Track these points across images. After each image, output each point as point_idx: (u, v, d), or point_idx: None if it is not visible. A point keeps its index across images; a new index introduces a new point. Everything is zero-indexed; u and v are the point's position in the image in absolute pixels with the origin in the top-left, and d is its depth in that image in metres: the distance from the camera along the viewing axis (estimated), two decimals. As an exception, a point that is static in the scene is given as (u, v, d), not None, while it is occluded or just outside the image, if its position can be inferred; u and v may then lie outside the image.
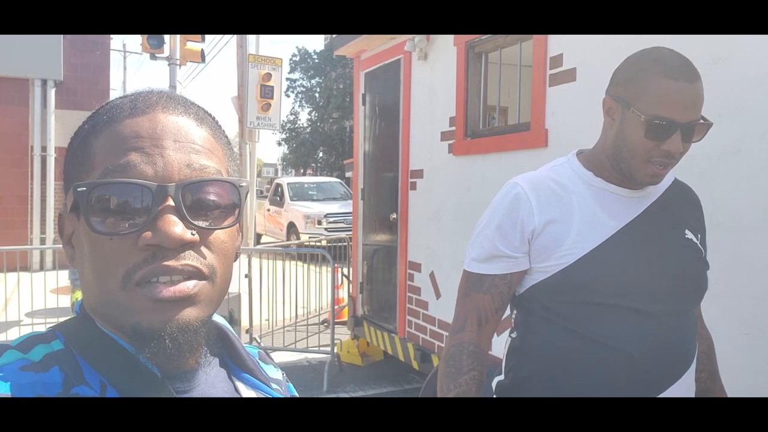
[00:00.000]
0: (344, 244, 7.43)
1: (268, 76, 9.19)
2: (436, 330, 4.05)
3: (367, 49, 4.90)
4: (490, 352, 1.39)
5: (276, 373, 0.79)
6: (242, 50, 9.48)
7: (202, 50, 9.30)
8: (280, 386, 0.77)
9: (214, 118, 0.67)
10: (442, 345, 3.96)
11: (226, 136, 0.69)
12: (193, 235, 0.58)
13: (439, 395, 1.38)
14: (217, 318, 0.72)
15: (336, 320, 5.52)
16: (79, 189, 0.57)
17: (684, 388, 1.29)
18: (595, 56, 2.80)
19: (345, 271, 6.09)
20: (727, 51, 2.18)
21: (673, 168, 1.28)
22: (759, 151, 2.07)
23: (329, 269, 5.42)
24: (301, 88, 30.11)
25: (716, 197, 2.19)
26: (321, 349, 5.47)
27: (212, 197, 0.61)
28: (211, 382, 0.67)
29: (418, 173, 4.29)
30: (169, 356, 0.59)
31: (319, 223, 12.16)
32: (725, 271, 2.17)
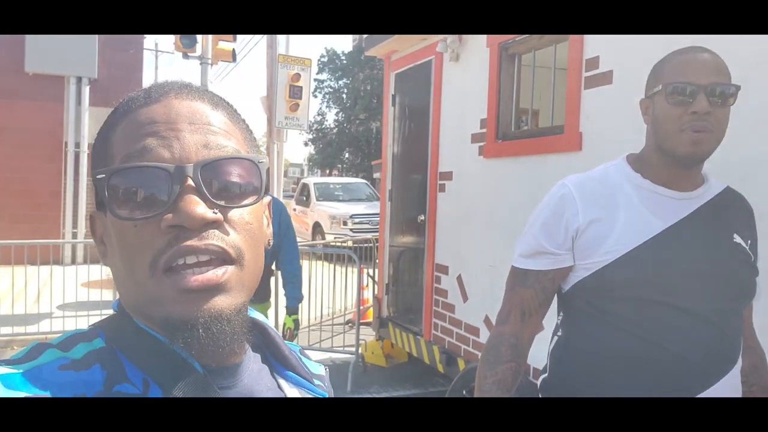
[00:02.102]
0: (370, 245, 7.43)
1: (297, 76, 9.23)
2: (463, 333, 4.02)
3: (398, 49, 4.89)
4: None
5: (318, 369, 0.78)
6: (272, 50, 9.55)
7: (233, 50, 9.39)
8: (323, 382, 0.76)
9: (230, 104, 0.67)
10: (469, 349, 3.93)
11: (245, 122, 0.68)
12: (216, 213, 0.57)
13: (477, 381, 1.43)
14: (256, 315, 0.71)
15: (361, 321, 5.52)
16: (98, 177, 0.57)
17: (727, 389, 1.29)
18: (632, 58, 2.74)
19: (370, 272, 6.08)
20: (765, 53, 2.12)
21: (712, 141, 1.29)
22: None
23: (355, 270, 5.42)
24: (329, 89, 30.26)
25: (753, 205, 2.13)
26: (345, 349, 5.47)
27: (232, 176, 0.60)
28: (255, 378, 0.66)
29: (447, 175, 4.27)
30: (204, 347, 0.58)
31: (345, 223, 12.19)
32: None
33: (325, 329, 6.21)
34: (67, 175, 10.09)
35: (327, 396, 0.75)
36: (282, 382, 0.70)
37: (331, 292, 6.46)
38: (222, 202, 0.58)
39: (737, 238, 1.36)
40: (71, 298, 6.02)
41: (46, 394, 0.53)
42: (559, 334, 1.45)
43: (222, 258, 0.58)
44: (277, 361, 0.71)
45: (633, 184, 1.36)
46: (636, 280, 1.28)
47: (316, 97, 30.12)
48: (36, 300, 6.19)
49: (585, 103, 3.07)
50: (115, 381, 0.57)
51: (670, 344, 1.27)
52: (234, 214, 0.59)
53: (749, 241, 1.39)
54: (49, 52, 9.55)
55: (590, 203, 1.35)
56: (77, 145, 10.01)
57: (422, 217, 4.57)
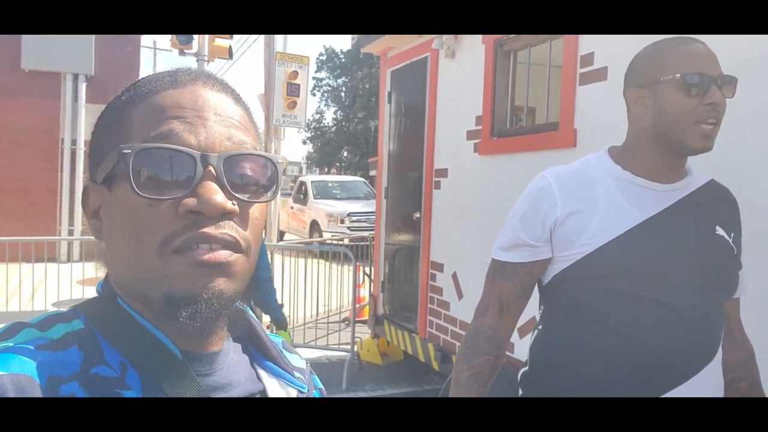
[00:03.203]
0: (366, 243, 7.42)
1: (295, 74, 9.21)
2: (458, 331, 4.02)
3: (394, 46, 4.88)
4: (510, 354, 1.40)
5: (300, 362, 0.78)
6: (269, 48, 9.52)
7: (230, 47, 9.37)
8: (303, 375, 0.76)
9: (245, 101, 0.69)
10: (463, 346, 3.92)
11: (255, 120, 0.70)
12: (234, 205, 0.59)
13: (453, 375, 1.43)
14: (240, 305, 0.71)
15: (356, 319, 5.51)
16: (124, 151, 0.57)
17: (705, 383, 1.29)
18: (627, 55, 2.73)
19: (366, 269, 6.08)
20: (763, 51, 2.11)
21: (716, 134, 1.29)
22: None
23: (351, 268, 5.41)
24: (327, 87, 30.23)
25: (749, 199, 2.12)
26: (341, 347, 5.47)
27: (251, 171, 0.62)
28: (233, 367, 0.66)
29: (443, 172, 4.26)
30: (196, 328, 0.58)
31: (342, 221, 12.18)
32: (755, 271, 2.10)
33: (321, 327, 6.20)
34: (63, 172, 10.08)
35: (306, 388, 0.75)
36: (261, 372, 0.70)
37: (327, 290, 6.45)
38: (239, 195, 0.60)
39: (720, 231, 1.36)
40: (66, 295, 6.00)
41: (24, 374, 0.52)
42: (540, 327, 1.44)
43: (232, 247, 0.59)
44: (258, 352, 0.72)
45: (613, 176, 1.35)
46: (614, 271, 1.28)
47: (314, 95, 30.11)
48: (31, 298, 6.17)
49: (580, 99, 3.07)
50: (92, 363, 0.57)
51: (649, 337, 1.26)
52: (247, 208, 0.61)
53: (732, 234, 1.38)
54: (46, 49, 9.54)
55: (569, 195, 1.34)
56: (74, 142, 9.99)
57: (418, 215, 4.56)
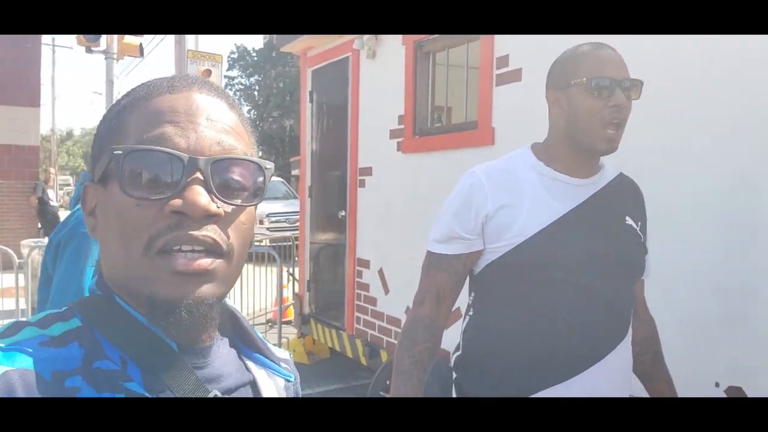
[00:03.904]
0: (289, 243, 7.38)
1: (208, 72, 9.00)
2: (385, 326, 4.10)
3: (315, 46, 4.90)
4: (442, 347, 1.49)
5: (284, 354, 0.81)
6: (180, 46, 9.25)
7: (141, 44, 9.03)
8: (288, 365, 0.79)
9: (241, 109, 0.70)
10: (391, 340, 4.01)
11: (251, 127, 0.72)
12: (218, 208, 0.60)
13: (395, 363, 1.49)
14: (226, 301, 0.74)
15: (282, 320, 5.48)
16: (115, 152, 0.59)
17: (619, 358, 1.43)
18: (539, 57, 2.90)
19: (290, 269, 6.05)
20: (670, 55, 2.31)
21: (621, 135, 1.40)
22: (699, 152, 2.21)
23: (273, 269, 5.38)
24: (240, 86, 29.61)
25: (659, 193, 2.33)
26: (267, 348, 5.41)
27: (239, 176, 0.63)
28: (224, 360, 0.69)
29: (367, 171, 4.33)
30: (185, 329, 0.61)
31: (261, 222, 12.01)
32: (665, 262, 2.30)
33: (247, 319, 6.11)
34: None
35: (293, 377, 0.79)
36: (249, 363, 0.73)
37: (251, 292, 6.38)
38: (225, 199, 0.62)
39: (629, 220, 1.49)
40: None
41: (30, 369, 0.54)
42: (471, 313, 1.53)
43: (214, 250, 0.61)
44: (245, 345, 0.75)
45: (537, 172, 1.45)
46: (540, 260, 1.38)
47: (226, 94, 29.32)
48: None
49: (497, 99, 3.21)
50: (93, 358, 0.58)
51: (571, 320, 1.38)
52: (233, 212, 0.63)
53: (639, 223, 1.52)
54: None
55: (498, 190, 1.43)
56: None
57: (343, 213, 4.61)
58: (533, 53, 2.95)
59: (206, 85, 0.66)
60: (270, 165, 0.66)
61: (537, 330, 1.39)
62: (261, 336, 0.78)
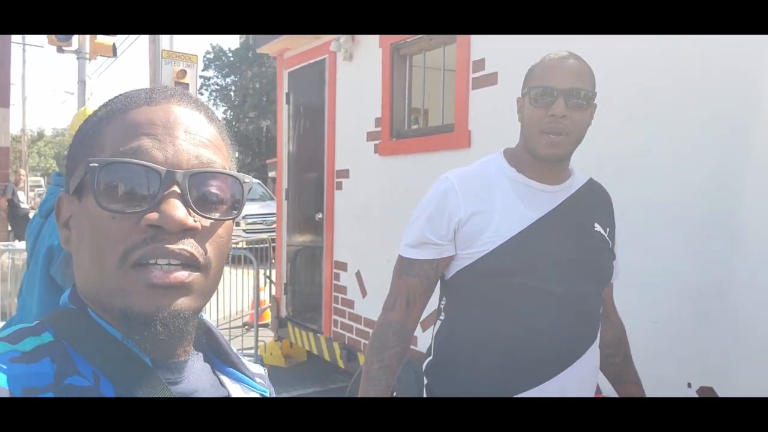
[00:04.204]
0: (266, 245, 7.33)
1: (183, 72, 8.92)
2: (362, 328, 4.09)
3: (291, 47, 4.88)
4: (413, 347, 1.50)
5: (259, 369, 0.80)
6: (155, 45, 9.14)
7: (114, 44, 8.90)
8: (264, 381, 0.78)
9: (221, 121, 0.70)
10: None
11: (231, 140, 0.71)
12: (196, 222, 0.60)
13: (363, 368, 1.49)
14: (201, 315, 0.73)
15: (259, 323, 5.44)
16: (91, 164, 0.58)
17: (588, 363, 1.44)
18: (515, 60, 2.92)
19: (267, 272, 6.02)
20: (638, 57, 2.35)
21: (569, 143, 1.41)
22: (665, 153, 2.25)
23: (250, 271, 5.34)
24: (216, 86, 29.36)
25: (627, 195, 2.36)
26: (244, 352, 5.38)
27: (216, 190, 0.62)
28: (198, 375, 0.68)
29: (344, 173, 4.32)
30: (160, 343, 0.60)
31: (238, 224, 11.89)
32: (635, 264, 2.33)
33: (222, 332, 6.06)
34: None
35: (268, 392, 0.77)
36: (224, 378, 0.72)
37: (227, 295, 6.32)
38: (202, 213, 0.61)
39: (597, 227, 1.50)
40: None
41: (1, 386, 0.53)
42: (442, 318, 1.53)
43: (191, 263, 0.60)
44: (219, 359, 0.74)
45: (509, 178, 1.46)
46: (512, 267, 1.39)
47: (202, 94, 29.08)
48: None
49: (473, 102, 3.23)
50: (65, 374, 0.57)
51: (541, 325, 1.39)
52: (210, 225, 0.62)
53: (608, 229, 1.53)
54: None
55: (471, 196, 1.44)
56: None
57: (320, 215, 4.59)
58: (509, 57, 2.98)
59: (185, 98, 0.66)
60: (249, 179, 0.66)
61: (507, 336, 1.40)
62: (235, 351, 0.77)
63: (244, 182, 0.65)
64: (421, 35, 3.51)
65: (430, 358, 1.54)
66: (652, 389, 2.14)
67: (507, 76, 3.01)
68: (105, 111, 0.65)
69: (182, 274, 0.59)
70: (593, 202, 1.54)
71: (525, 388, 1.38)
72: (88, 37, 8.57)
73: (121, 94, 0.66)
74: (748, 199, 1.99)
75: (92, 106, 2.27)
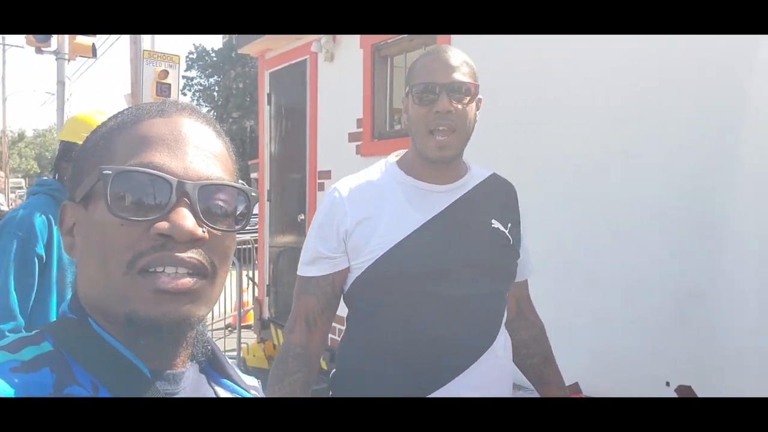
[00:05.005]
0: (248, 246, 7.29)
1: (165, 73, 8.84)
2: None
3: (273, 48, 4.86)
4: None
5: (253, 381, 0.80)
6: (136, 45, 9.06)
7: (93, 44, 8.80)
8: (258, 393, 0.79)
9: (226, 135, 0.72)
10: (352, 344, 4.00)
11: (235, 154, 0.73)
12: (204, 232, 0.61)
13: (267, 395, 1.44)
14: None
15: (241, 324, 5.41)
16: (104, 172, 0.59)
17: (488, 364, 1.38)
18: (491, 62, 2.93)
19: (249, 273, 5.98)
20: (619, 61, 2.36)
21: (459, 141, 1.35)
22: (646, 155, 2.27)
23: (232, 272, 5.31)
24: (199, 87, 29.25)
25: (607, 196, 2.38)
26: (227, 353, 5.34)
27: (224, 202, 0.64)
28: (195, 386, 0.68)
29: (326, 174, 4.31)
30: (162, 349, 0.62)
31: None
32: (615, 265, 2.35)
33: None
34: None
35: None
36: (219, 390, 0.72)
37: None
38: (210, 224, 0.63)
39: (495, 224, 1.44)
40: None
41: (1, 396, 0.53)
42: (344, 328, 1.49)
43: (197, 271, 0.61)
44: (215, 371, 0.74)
45: (398, 182, 1.42)
46: (400, 272, 1.35)
47: (185, 95, 28.95)
48: None
49: (454, 103, 3.23)
50: (64, 384, 0.57)
51: (436, 329, 1.34)
52: (218, 236, 0.64)
53: (509, 225, 1.46)
54: None
55: (358, 204, 1.39)
56: None
57: (302, 217, 4.57)
58: (485, 58, 2.98)
59: (195, 112, 0.68)
60: (255, 192, 0.68)
61: (402, 342, 1.35)
62: (230, 362, 0.78)
63: (251, 195, 0.67)
64: (402, 36, 3.52)
65: (335, 370, 1.49)
66: (631, 388, 2.16)
67: (486, 77, 3.01)
68: (116, 122, 0.66)
69: (189, 281, 0.60)
70: (491, 198, 1.47)
71: (421, 394, 1.33)
72: (67, 37, 8.48)
73: (132, 107, 0.68)
74: (728, 201, 2.01)
75: (87, 112, 2.25)
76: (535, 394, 1.59)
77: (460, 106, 1.33)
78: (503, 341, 1.44)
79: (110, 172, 0.59)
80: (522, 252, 1.51)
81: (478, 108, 1.40)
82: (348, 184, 1.43)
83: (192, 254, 0.61)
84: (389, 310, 1.37)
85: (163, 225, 0.59)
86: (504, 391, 1.44)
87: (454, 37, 3.18)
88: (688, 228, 2.12)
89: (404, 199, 1.39)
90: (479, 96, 1.39)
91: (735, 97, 2.00)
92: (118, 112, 0.67)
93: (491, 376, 1.39)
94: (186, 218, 0.60)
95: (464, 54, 1.39)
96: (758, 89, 1.93)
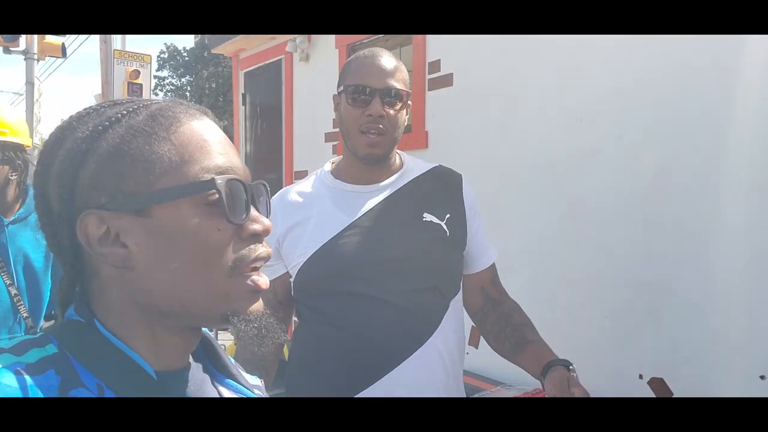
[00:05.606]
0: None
1: (136, 73, 8.77)
2: (324, 329, 4.09)
3: (247, 48, 4.84)
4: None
5: (256, 381, 0.81)
6: (107, 45, 8.94)
7: (63, 44, 8.66)
8: (261, 392, 0.79)
9: None
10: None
11: None
12: None
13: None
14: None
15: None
16: (218, 181, 0.61)
17: (419, 364, 1.37)
18: (470, 61, 2.97)
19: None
20: (587, 60, 2.41)
21: (388, 142, 1.39)
22: (615, 153, 2.32)
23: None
24: (171, 87, 28.82)
25: (578, 193, 2.42)
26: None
27: (263, 197, 0.69)
28: (199, 386, 0.69)
29: (302, 174, 4.30)
30: (190, 346, 0.68)
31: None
32: (588, 261, 2.40)
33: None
34: None
35: None
36: (223, 390, 0.73)
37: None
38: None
39: (428, 217, 1.43)
40: None
41: (7, 398, 0.53)
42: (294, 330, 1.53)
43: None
44: (218, 370, 0.74)
45: (326, 186, 1.46)
46: (325, 273, 1.39)
47: (157, 95, 28.50)
48: None
49: (429, 103, 3.26)
50: (69, 386, 0.58)
51: (361, 329, 1.35)
52: None
53: (447, 216, 1.45)
54: None
55: (288, 211, 1.45)
56: None
57: (278, 217, 4.56)
58: (464, 58, 3.02)
59: (207, 113, 0.70)
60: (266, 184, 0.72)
61: (333, 341, 1.38)
62: (234, 361, 0.78)
63: (267, 188, 0.71)
64: (377, 36, 3.53)
65: (287, 374, 1.53)
66: (604, 380, 2.20)
67: (462, 77, 3.04)
68: (150, 128, 0.62)
69: (266, 279, 0.67)
70: (428, 191, 1.46)
71: (351, 393, 1.34)
72: (36, 37, 8.33)
73: (154, 113, 0.64)
74: (698, 197, 2.07)
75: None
76: (514, 390, 1.62)
77: (392, 112, 1.37)
78: (450, 337, 1.42)
79: (222, 181, 0.62)
80: (472, 241, 1.50)
81: (407, 113, 1.44)
82: (281, 193, 1.49)
83: (270, 249, 0.67)
84: (320, 310, 1.40)
85: (257, 226, 0.64)
86: (451, 389, 1.43)
87: (430, 37, 3.21)
88: (658, 224, 2.18)
89: (331, 202, 1.43)
90: (409, 102, 1.44)
91: (706, 94, 2.05)
92: (144, 120, 0.63)
93: (427, 373, 1.38)
94: (263, 216, 0.66)
95: (398, 60, 1.43)
96: (732, 86, 1.99)
